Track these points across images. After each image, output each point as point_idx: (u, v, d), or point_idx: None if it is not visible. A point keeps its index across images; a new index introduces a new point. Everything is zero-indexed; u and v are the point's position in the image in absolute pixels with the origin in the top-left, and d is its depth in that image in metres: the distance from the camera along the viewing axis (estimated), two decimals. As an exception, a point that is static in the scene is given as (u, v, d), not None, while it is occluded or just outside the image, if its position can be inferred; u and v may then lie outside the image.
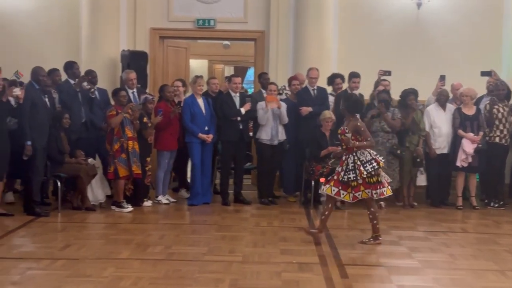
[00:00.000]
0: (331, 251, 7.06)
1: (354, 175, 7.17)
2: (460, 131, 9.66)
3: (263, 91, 10.14)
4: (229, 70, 19.01)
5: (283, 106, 9.74)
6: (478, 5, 11.49)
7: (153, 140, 9.62)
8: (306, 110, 9.82)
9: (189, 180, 10.15)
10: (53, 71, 9.57)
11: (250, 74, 18.25)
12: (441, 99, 9.90)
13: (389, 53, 11.33)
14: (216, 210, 9.41)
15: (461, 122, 9.69)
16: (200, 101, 9.66)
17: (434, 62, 11.20)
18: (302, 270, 6.32)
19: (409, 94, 9.73)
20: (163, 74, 11.80)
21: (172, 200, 9.85)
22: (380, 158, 7.38)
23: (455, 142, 9.71)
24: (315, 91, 10.07)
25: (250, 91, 14.18)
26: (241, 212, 9.33)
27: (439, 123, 9.80)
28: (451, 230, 8.39)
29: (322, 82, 10.23)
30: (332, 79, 10.20)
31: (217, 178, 10.49)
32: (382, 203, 9.55)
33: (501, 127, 9.76)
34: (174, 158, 9.88)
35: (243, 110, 9.67)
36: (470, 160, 9.59)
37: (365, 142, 7.26)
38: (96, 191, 9.28)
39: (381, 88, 9.96)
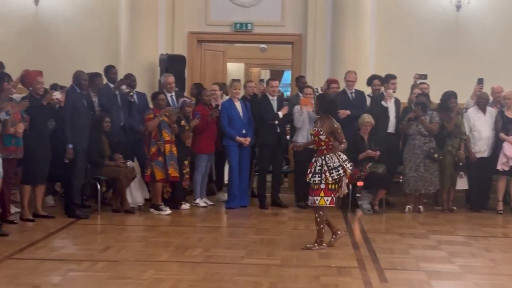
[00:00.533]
0: (370, 255, 7.03)
1: (319, 179, 7.14)
2: (502, 135, 9.52)
3: (300, 95, 10.13)
4: (265, 74, 19.03)
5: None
6: (518, 7, 11.34)
7: (191, 143, 9.69)
8: (344, 113, 9.77)
9: (226, 183, 10.19)
10: (96, 76, 9.69)
11: (286, 77, 18.25)
12: (481, 102, 9.77)
13: (427, 55, 11.25)
14: (253, 213, 9.43)
15: (503, 125, 9.55)
16: (238, 104, 9.70)
17: (472, 65, 11.05)
18: (340, 274, 6.30)
19: (450, 97, 9.63)
20: (200, 77, 11.87)
21: (210, 203, 9.89)
22: (348, 165, 7.26)
23: (496, 146, 9.58)
24: (353, 94, 10.04)
25: (286, 94, 14.18)
26: (279, 215, 9.34)
27: (479, 127, 9.67)
28: (492, 235, 8.27)
29: (360, 85, 10.17)
30: (371, 81, 10.16)
31: (254, 181, 10.53)
32: (421, 207, 9.48)
33: (544, 130, 9.60)
34: (212, 161, 9.92)
35: (280, 114, 9.67)
36: (511, 163, 9.45)
37: (342, 145, 7.24)
38: (135, 193, 9.38)
39: (418, 91, 9.87)
